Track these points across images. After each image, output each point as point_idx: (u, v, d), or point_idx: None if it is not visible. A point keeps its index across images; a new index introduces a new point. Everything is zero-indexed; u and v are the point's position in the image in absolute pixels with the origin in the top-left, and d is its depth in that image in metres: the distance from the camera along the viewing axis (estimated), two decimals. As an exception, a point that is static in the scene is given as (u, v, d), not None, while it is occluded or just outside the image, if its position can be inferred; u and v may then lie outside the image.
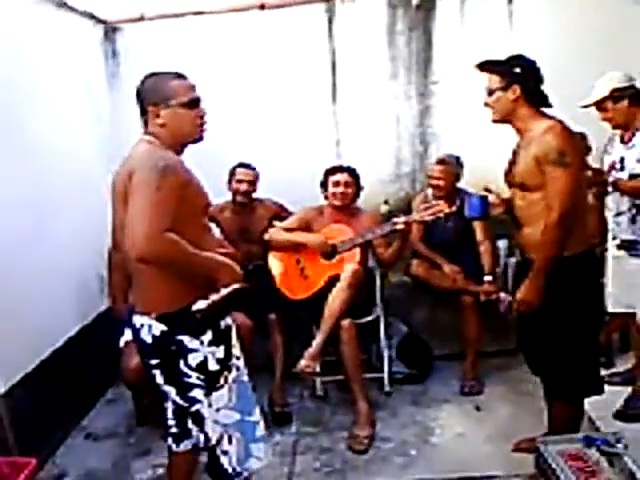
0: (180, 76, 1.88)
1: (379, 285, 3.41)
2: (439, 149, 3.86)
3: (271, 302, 3.30)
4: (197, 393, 1.89)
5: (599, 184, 2.72)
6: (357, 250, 3.20)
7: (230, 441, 1.93)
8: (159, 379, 1.94)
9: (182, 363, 1.85)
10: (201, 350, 1.85)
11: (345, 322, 3.00)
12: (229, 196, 3.55)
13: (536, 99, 2.20)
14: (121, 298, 2.90)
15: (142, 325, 1.87)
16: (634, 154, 2.64)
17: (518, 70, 2.19)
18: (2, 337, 2.52)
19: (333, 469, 2.68)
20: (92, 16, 3.65)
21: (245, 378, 2.01)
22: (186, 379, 1.87)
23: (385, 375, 3.33)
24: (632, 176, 2.64)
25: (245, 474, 1.96)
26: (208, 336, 1.85)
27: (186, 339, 1.84)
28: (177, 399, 1.93)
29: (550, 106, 2.23)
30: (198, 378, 1.87)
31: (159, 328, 1.83)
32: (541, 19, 3.66)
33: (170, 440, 2.12)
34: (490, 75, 2.23)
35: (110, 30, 3.88)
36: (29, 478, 2.21)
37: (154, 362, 1.91)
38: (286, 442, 2.91)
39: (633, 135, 2.67)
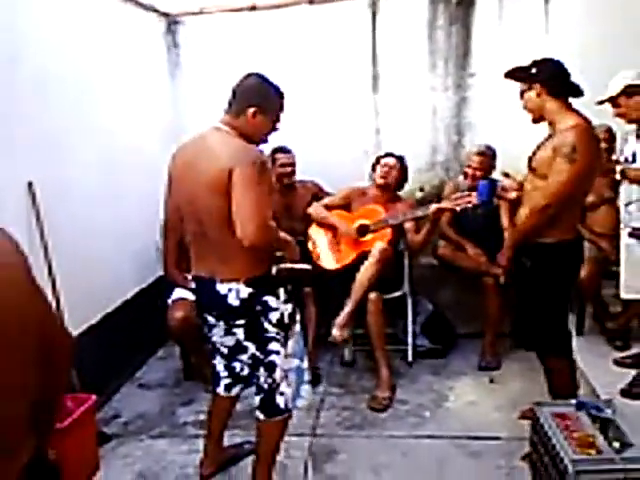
0: (282, 95, 2.24)
1: (407, 265, 3.67)
2: (473, 139, 4.04)
3: (307, 277, 3.60)
4: (274, 346, 2.20)
5: (610, 172, 2.91)
6: (388, 231, 3.47)
7: (288, 384, 2.27)
8: (240, 336, 2.23)
9: (264, 321, 2.18)
10: (280, 308, 2.19)
11: (372, 295, 3.28)
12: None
13: (560, 90, 2.38)
14: (172, 263, 3.27)
15: (230, 290, 2.11)
16: None
17: (534, 70, 2.42)
18: (74, 290, 2.92)
19: (353, 424, 2.98)
20: (155, 10, 4.02)
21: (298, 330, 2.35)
22: (266, 334, 2.19)
23: (409, 347, 3.60)
24: None
25: (293, 411, 2.32)
26: (282, 295, 2.20)
27: (270, 299, 2.16)
28: (255, 352, 2.24)
29: (581, 94, 2.40)
30: (277, 333, 2.20)
31: (247, 291, 2.12)
32: (576, 18, 3.79)
33: (222, 388, 2.48)
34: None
35: (172, 23, 4.23)
36: (89, 411, 2.60)
37: (239, 322, 2.20)
38: (313, 400, 3.18)
39: None
